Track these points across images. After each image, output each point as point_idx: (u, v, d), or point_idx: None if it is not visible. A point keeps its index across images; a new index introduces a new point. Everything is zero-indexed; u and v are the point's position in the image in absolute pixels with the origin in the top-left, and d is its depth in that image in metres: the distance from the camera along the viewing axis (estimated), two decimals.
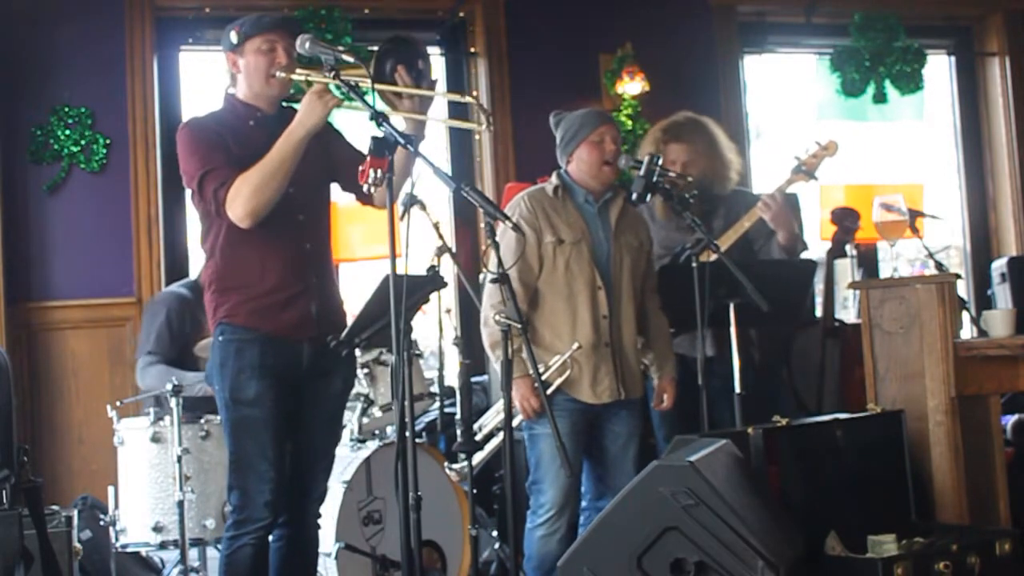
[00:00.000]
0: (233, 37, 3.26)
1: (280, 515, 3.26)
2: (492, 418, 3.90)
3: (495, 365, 3.81)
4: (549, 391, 3.67)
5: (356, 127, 3.22)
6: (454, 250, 3.42)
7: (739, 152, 4.58)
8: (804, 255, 4.47)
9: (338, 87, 3.15)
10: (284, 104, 3.37)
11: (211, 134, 3.22)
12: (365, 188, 2.98)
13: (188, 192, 3.30)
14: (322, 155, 3.32)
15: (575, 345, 3.71)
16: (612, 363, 3.79)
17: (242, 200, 3.12)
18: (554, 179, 3.91)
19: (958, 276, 3.71)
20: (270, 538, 3.32)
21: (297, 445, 3.31)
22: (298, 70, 3.25)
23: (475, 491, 3.90)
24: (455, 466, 3.84)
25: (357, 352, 4.12)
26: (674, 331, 4.12)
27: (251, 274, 3.22)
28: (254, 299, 3.22)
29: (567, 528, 3.76)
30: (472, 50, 6.16)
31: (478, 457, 3.76)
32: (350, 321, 3.27)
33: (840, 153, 4.37)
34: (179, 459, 4.03)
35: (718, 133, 4.47)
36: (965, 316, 3.85)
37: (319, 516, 3.42)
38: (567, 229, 3.81)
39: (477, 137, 6.13)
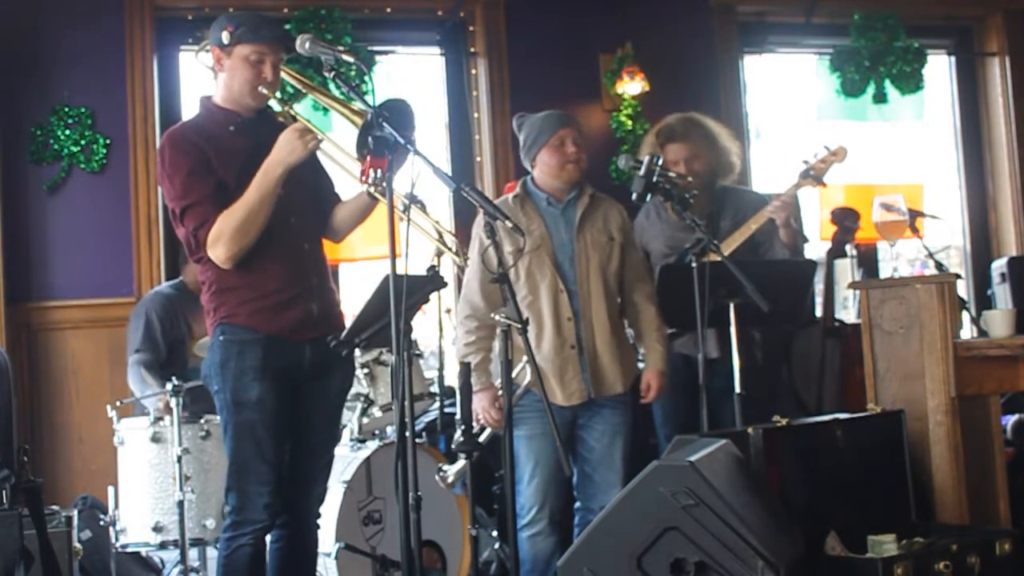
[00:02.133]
0: (225, 37, 3.19)
1: (278, 517, 3.25)
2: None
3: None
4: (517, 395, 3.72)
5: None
6: (454, 250, 3.41)
7: (734, 136, 4.56)
8: (805, 254, 4.47)
9: (338, 87, 3.15)
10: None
11: (195, 151, 3.17)
12: (364, 188, 2.97)
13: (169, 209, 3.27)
14: (310, 159, 3.32)
15: (522, 361, 3.63)
16: (579, 364, 3.80)
17: (224, 244, 3.11)
18: (517, 187, 3.94)
19: (958, 276, 3.71)
20: (269, 539, 3.31)
21: (296, 446, 3.30)
22: (288, 80, 3.24)
23: (472, 490, 3.92)
24: (445, 468, 3.84)
25: (357, 352, 4.14)
26: (677, 331, 4.13)
27: (252, 275, 3.20)
28: (255, 300, 3.20)
29: (550, 526, 3.79)
30: (472, 50, 6.16)
31: (457, 466, 3.78)
32: (349, 321, 3.27)
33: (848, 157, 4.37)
34: (179, 459, 4.03)
35: (712, 125, 4.46)
36: (965, 316, 3.84)
37: (319, 516, 3.41)
38: (527, 237, 3.82)
39: (477, 137, 6.13)
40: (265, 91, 3.21)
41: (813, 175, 4.30)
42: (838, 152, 4.30)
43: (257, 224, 3.13)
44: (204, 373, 3.32)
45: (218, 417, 3.31)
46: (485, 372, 3.79)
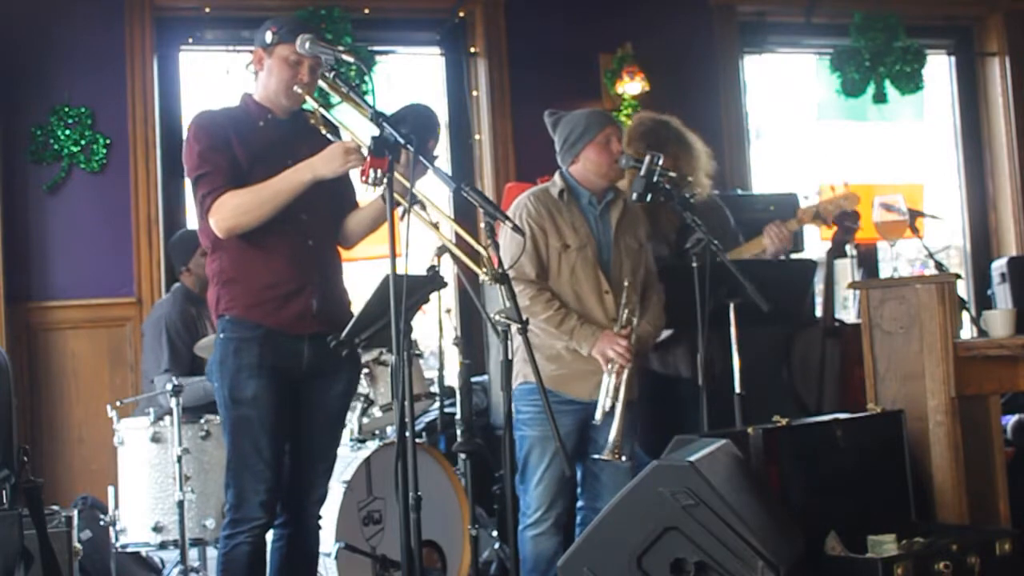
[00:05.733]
0: (268, 37, 3.25)
1: (276, 515, 3.26)
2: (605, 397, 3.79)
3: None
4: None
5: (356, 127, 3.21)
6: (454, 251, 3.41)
7: (711, 155, 4.50)
8: (800, 255, 4.46)
9: (338, 87, 3.16)
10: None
11: (217, 130, 3.23)
12: (365, 188, 2.98)
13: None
14: None
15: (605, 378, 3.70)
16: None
17: (224, 215, 3.16)
18: (558, 180, 3.90)
19: (958, 276, 3.70)
20: (270, 538, 3.32)
21: (297, 446, 3.31)
22: (322, 83, 3.25)
23: (471, 490, 3.91)
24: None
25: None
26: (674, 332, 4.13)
27: (252, 267, 3.23)
28: (254, 292, 3.22)
29: (556, 527, 3.78)
30: (472, 50, 6.16)
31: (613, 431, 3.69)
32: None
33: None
34: (179, 459, 4.03)
35: (683, 130, 4.41)
36: (965, 316, 3.84)
37: (320, 517, 3.41)
38: (572, 234, 3.80)
39: (477, 137, 6.13)
40: (300, 91, 3.25)
41: (822, 216, 4.28)
42: (850, 198, 4.28)
43: (262, 212, 3.17)
44: (207, 370, 3.36)
45: (218, 417, 3.32)
46: (586, 322, 3.67)
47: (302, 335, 3.25)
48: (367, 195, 3.30)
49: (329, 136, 3.36)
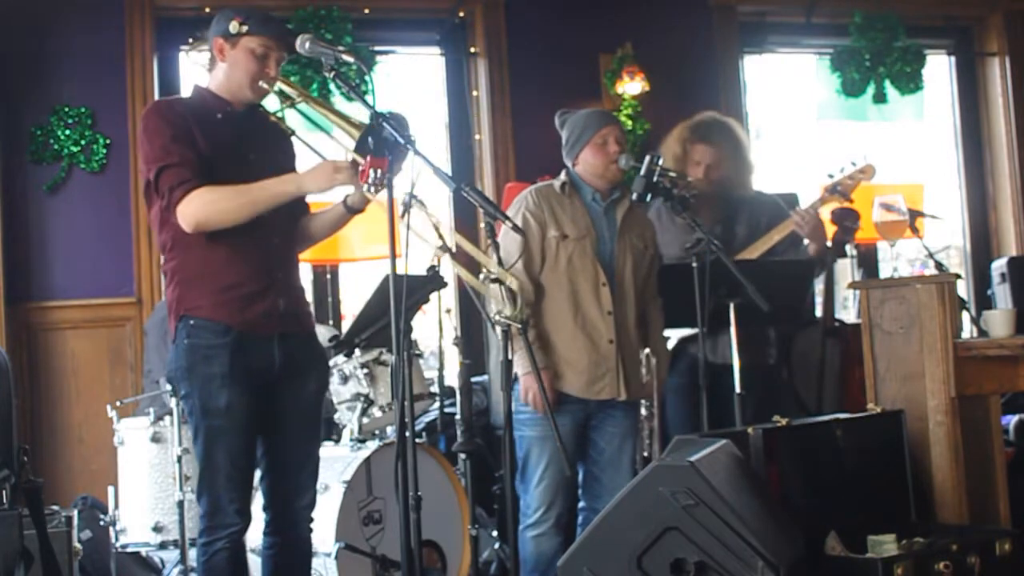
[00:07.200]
0: (232, 27, 3.16)
1: (250, 519, 3.21)
2: None
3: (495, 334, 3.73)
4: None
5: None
6: (454, 250, 3.41)
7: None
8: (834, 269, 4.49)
9: (339, 87, 3.16)
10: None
11: (179, 121, 3.13)
12: (365, 188, 2.97)
13: (143, 180, 3.20)
14: (294, 160, 3.31)
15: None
16: (616, 360, 3.79)
17: (196, 209, 3.07)
18: (563, 176, 3.93)
19: (958, 276, 3.71)
20: (261, 546, 3.31)
21: (278, 451, 3.26)
22: (281, 85, 3.22)
23: (471, 490, 3.91)
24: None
25: (356, 352, 4.14)
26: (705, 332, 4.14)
27: (216, 266, 3.14)
28: (219, 291, 3.13)
29: (556, 527, 3.78)
30: (472, 50, 6.16)
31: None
32: (350, 322, 3.26)
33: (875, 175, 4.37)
34: (179, 459, 4.03)
35: (743, 136, 4.46)
36: (965, 316, 3.84)
37: (311, 522, 3.36)
38: (572, 225, 3.82)
39: (477, 137, 6.13)
40: (265, 85, 3.20)
41: (840, 191, 4.30)
42: (866, 170, 4.30)
43: (238, 216, 3.10)
44: (169, 376, 3.26)
45: None
46: (526, 355, 3.54)
47: (271, 335, 3.19)
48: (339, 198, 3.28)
49: (287, 131, 3.31)
